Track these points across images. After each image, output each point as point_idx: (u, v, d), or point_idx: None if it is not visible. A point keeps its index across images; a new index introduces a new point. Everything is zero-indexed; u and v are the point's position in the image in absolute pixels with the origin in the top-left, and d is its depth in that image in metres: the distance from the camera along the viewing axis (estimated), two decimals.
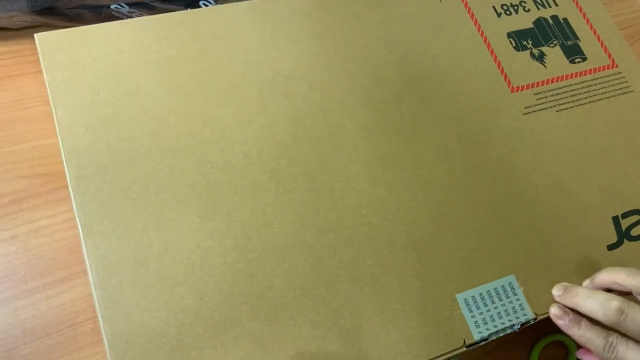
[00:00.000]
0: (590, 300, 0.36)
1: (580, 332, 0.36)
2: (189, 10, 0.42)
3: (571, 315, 0.37)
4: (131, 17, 0.45)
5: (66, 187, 0.35)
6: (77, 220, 0.35)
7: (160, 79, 0.39)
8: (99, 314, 0.33)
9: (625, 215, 0.43)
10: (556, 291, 0.38)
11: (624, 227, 0.42)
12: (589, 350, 0.37)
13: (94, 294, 0.33)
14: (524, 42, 0.48)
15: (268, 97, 0.41)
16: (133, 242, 0.35)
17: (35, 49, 0.38)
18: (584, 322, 0.36)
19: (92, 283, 0.33)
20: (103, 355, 0.37)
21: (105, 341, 0.32)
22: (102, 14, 0.44)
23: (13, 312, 0.38)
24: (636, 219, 0.43)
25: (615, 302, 0.34)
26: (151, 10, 0.44)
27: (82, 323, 0.38)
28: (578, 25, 0.50)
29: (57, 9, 0.43)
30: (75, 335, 0.38)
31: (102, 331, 0.32)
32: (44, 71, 0.38)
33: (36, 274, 0.39)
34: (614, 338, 0.35)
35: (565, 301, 0.38)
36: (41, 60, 0.38)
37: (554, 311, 0.38)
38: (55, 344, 0.37)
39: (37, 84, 0.44)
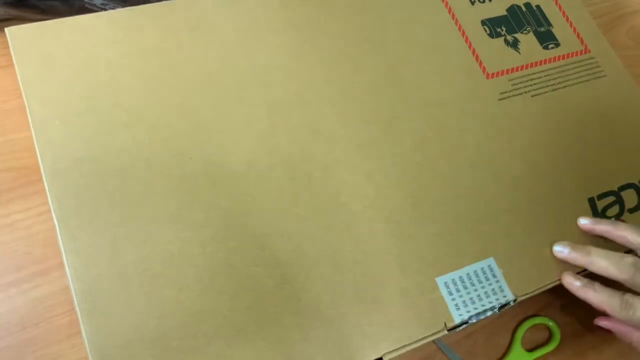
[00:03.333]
0: (602, 257, 0.36)
1: (595, 295, 0.36)
2: (163, 2, 0.42)
3: (585, 279, 0.37)
4: (104, 9, 0.44)
5: (40, 180, 0.35)
6: (53, 214, 0.34)
7: (135, 71, 0.39)
8: (77, 308, 0.32)
9: (601, 196, 0.44)
10: (560, 248, 0.39)
11: (599, 208, 0.43)
12: (606, 316, 0.38)
13: (72, 287, 0.33)
14: (498, 29, 0.49)
15: (245, 88, 0.41)
16: (110, 235, 0.34)
17: (7, 42, 0.38)
18: (597, 284, 0.37)
19: (69, 277, 0.33)
20: (80, 348, 0.37)
21: (84, 335, 0.32)
22: (75, 7, 0.44)
23: None
24: (611, 200, 0.44)
25: (629, 258, 0.35)
26: (124, 2, 0.44)
27: (58, 316, 0.38)
28: (551, 12, 0.51)
29: (29, 2, 0.42)
30: (52, 329, 0.37)
31: (81, 325, 0.32)
32: (16, 65, 0.37)
33: (11, 268, 0.38)
34: (629, 296, 0.35)
35: (574, 260, 0.38)
36: (13, 55, 0.38)
37: (567, 278, 0.38)
38: (32, 338, 0.37)
39: (10, 78, 0.44)
